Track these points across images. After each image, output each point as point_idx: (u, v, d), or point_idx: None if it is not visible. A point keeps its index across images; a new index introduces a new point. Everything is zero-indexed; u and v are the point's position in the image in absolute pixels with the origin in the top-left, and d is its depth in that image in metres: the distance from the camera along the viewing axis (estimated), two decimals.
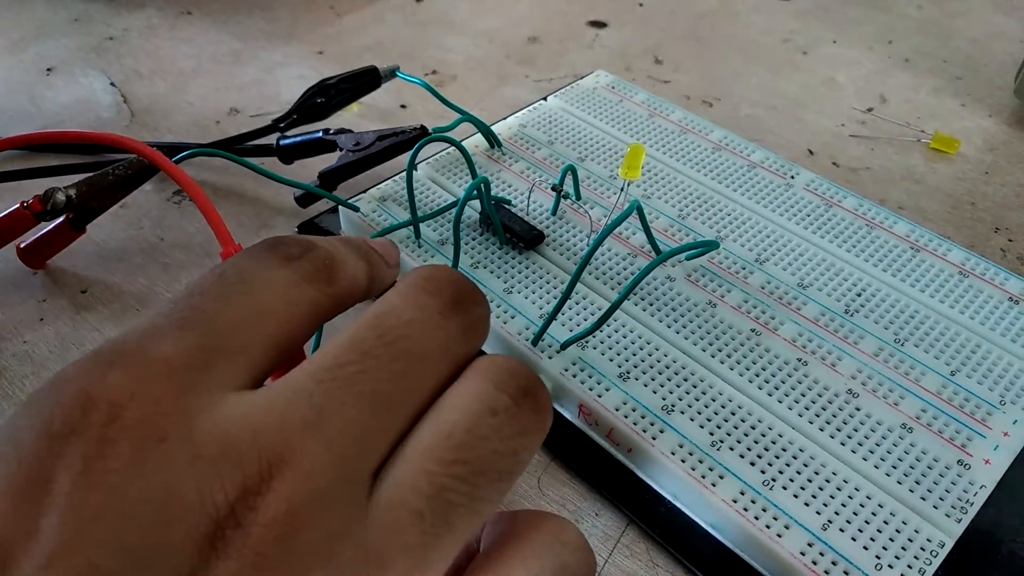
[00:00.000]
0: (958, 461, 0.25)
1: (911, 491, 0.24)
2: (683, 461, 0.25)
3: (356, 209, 0.34)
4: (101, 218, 0.33)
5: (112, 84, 0.46)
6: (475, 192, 0.31)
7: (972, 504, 0.24)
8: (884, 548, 0.23)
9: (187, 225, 0.36)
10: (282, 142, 0.37)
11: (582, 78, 0.43)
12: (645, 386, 0.27)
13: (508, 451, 0.15)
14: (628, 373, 0.27)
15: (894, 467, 0.25)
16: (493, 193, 0.34)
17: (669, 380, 0.27)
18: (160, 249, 0.35)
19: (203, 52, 0.49)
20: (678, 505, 0.25)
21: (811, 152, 0.42)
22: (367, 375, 0.14)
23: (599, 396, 0.27)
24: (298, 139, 0.37)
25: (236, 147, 0.39)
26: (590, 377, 0.27)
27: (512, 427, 0.15)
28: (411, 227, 0.32)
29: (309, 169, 0.36)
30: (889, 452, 0.25)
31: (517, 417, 0.15)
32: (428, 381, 0.15)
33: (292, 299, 0.15)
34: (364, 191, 0.35)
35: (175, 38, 0.50)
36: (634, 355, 0.28)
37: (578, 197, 0.34)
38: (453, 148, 0.34)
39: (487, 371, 0.15)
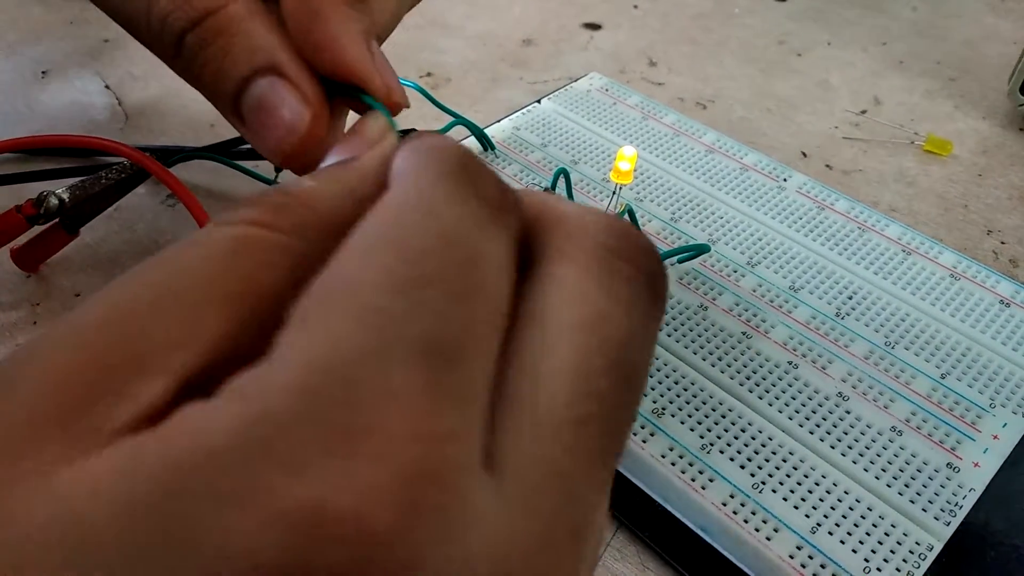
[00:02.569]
0: (947, 464, 0.25)
1: (900, 494, 0.24)
2: (673, 464, 0.25)
3: None
4: (95, 221, 0.33)
5: (107, 87, 0.46)
6: None
7: (961, 507, 0.24)
8: (873, 551, 0.23)
9: (181, 228, 0.36)
10: None
11: (576, 80, 0.43)
12: None
13: (639, 361, 0.11)
14: None
15: (883, 470, 0.25)
16: None
17: (660, 383, 0.27)
18: (153, 252, 0.35)
19: None
20: (668, 508, 0.25)
21: (804, 154, 0.42)
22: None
23: None
24: None
25: (231, 150, 0.39)
26: None
27: (637, 329, 0.11)
28: None
29: None
30: (879, 455, 0.25)
31: (642, 313, 0.11)
32: (499, 303, 0.11)
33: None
34: None
35: None
36: None
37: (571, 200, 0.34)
38: None
39: (578, 253, 0.12)
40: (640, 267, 0.12)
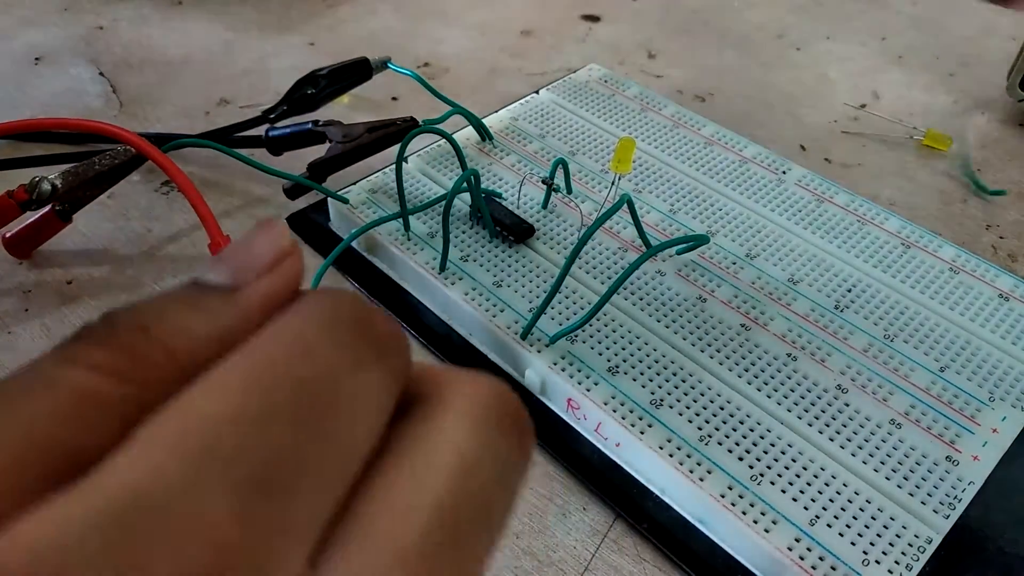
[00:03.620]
0: (947, 457, 0.25)
1: (899, 487, 0.24)
2: (671, 456, 0.25)
3: (345, 201, 0.33)
4: (88, 208, 0.33)
5: (101, 74, 0.45)
6: (465, 185, 0.31)
7: (960, 500, 0.24)
8: (872, 544, 0.23)
9: (175, 216, 0.36)
10: (271, 133, 0.37)
11: (575, 72, 0.42)
12: (634, 380, 0.27)
13: (499, 509, 0.12)
14: (617, 367, 0.27)
15: (882, 463, 0.25)
16: (484, 186, 0.34)
17: (658, 375, 0.27)
18: (147, 240, 0.34)
19: (194, 42, 0.48)
20: (666, 500, 0.25)
21: (803, 148, 0.42)
22: (457, 563, 0.11)
23: (588, 390, 0.27)
24: (287, 130, 0.36)
25: (226, 138, 0.38)
26: (579, 371, 0.27)
27: (501, 479, 0.12)
28: (400, 219, 0.32)
29: (299, 160, 0.35)
30: (878, 448, 0.25)
31: (509, 466, 0.12)
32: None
33: (383, 419, 0.11)
34: (354, 183, 0.35)
35: (166, 28, 0.50)
36: (623, 349, 0.28)
37: (569, 191, 0.34)
38: (444, 141, 0.34)
39: (458, 402, 0.12)
40: (515, 424, 0.12)
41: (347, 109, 0.43)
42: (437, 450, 0.11)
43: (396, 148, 0.31)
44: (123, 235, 0.35)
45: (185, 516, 0.09)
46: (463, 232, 0.32)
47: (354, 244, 0.33)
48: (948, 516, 0.24)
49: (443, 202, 0.32)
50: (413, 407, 0.12)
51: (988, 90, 0.47)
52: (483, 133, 0.37)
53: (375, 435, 0.11)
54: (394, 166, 0.33)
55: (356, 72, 0.39)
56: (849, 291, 0.30)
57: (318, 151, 0.35)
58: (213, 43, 0.48)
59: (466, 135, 0.37)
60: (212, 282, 0.12)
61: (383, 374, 0.11)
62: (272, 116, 0.38)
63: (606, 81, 0.41)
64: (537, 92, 0.41)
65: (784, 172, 0.36)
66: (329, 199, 0.34)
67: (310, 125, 0.36)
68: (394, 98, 0.44)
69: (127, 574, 0.08)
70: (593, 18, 0.52)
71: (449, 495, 0.11)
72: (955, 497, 0.24)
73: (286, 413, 0.10)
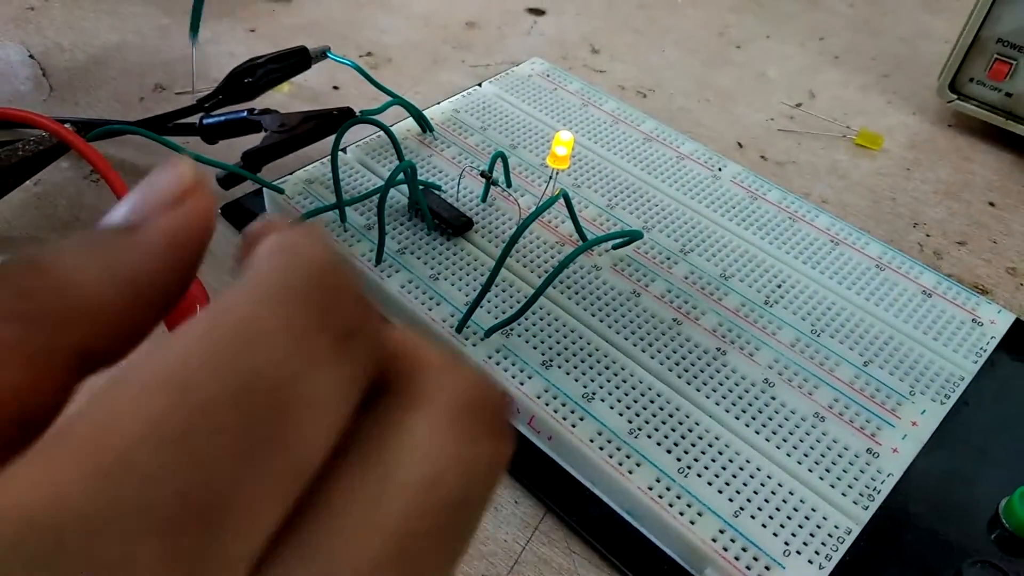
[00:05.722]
0: (867, 450, 0.26)
1: (821, 479, 0.25)
2: (601, 449, 0.25)
3: (281, 191, 0.33)
4: (11, 196, 0.32)
5: (31, 56, 0.44)
6: (403, 177, 0.31)
7: (879, 492, 0.25)
8: (793, 535, 0.23)
9: (106, 205, 0.35)
10: (205, 121, 0.36)
11: (518, 65, 0.42)
12: (567, 374, 0.27)
13: (470, 520, 0.11)
14: (551, 361, 0.27)
15: (806, 455, 0.25)
16: (423, 178, 0.34)
17: (591, 368, 0.27)
18: (75, 228, 0.34)
19: (128, 26, 0.47)
20: (596, 492, 0.25)
21: (740, 145, 0.42)
22: None
23: (521, 384, 0.27)
24: (222, 118, 0.36)
25: (162, 126, 0.38)
26: (513, 365, 0.27)
27: (475, 489, 0.10)
28: (337, 211, 0.32)
29: (234, 150, 0.35)
30: (801, 441, 0.26)
31: (483, 473, 0.11)
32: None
33: (342, 419, 0.10)
34: (291, 173, 0.34)
35: (99, 10, 0.48)
36: (557, 343, 0.28)
37: (508, 184, 0.34)
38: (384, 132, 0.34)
39: (434, 407, 0.10)
40: (492, 429, 0.11)
41: (287, 98, 0.42)
42: (404, 461, 0.10)
43: (333, 138, 0.31)
44: (50, 223, 0.34)
45: (97, 561, 0.07)
46: (401, 224, 0.32)
47: None
48: (867, 507, 0.24)
49: (378, 194, 0.31)
50: (385, 395, 0.10)
51: (920, 91, 0.48)
52: (423, 125, 0.37)
53: (334, 437, 0.09)
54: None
55: (295, 61, 0.39)
56: (779, 287, 0.31)
57: (254, 140, 0.35)
58: (149, 27, 0.47)
59: (407, 126, 0.37)
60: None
61: (349, 366, 0.10)
62: (208, 104, 0.37)
63: (548, 75, 0.41)
64: (480, 85, 0.41)
65: (720, 169, 0.36)
66: (265, 189, 0.33)
67: (245, 113, 0.35)
68: (335, 87, 0.43)
69: None
70: (538, 11, 0.52)
71: (413, 516, 0.09)
72: (874, 489, 0.25)
73: (220, 427, 0.08)
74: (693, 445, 0.25)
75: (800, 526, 0.24)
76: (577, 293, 0.30)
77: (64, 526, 0.07)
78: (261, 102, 0.38)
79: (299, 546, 0.09)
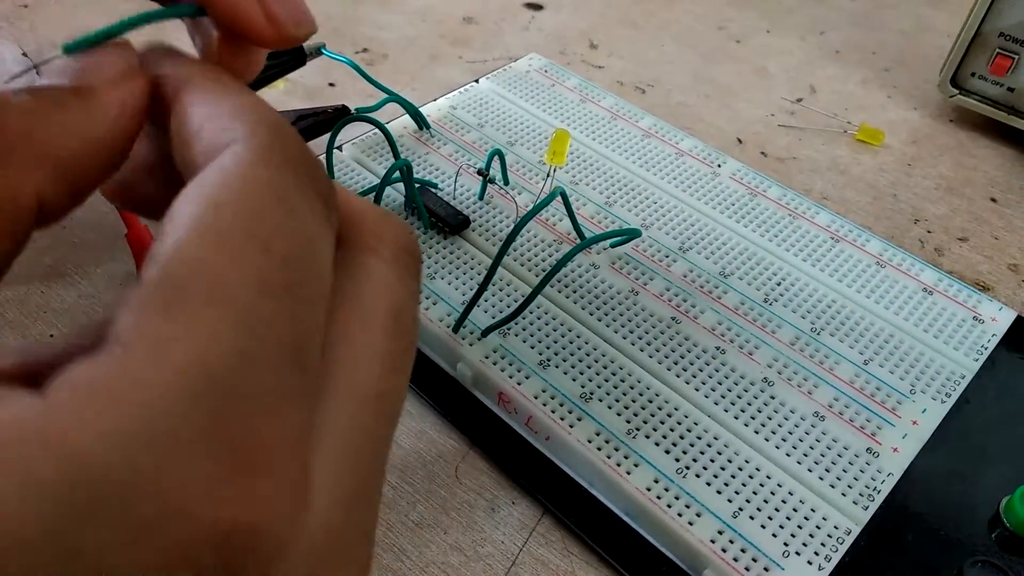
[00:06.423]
0: (867, 449, 0.26)
1: (821, 479, 0.25)
2: (599, 449, 0.25)
3: None
4: None
5: (24, 55, 0.43)
6: (399, 175, 0.31)
7: (879, 492, 0.25)
8: (792, 535, 0.23)
9: (97, 201, 0.34)
10: None
11: (515, 61, 0.42)
12: (565, 374, 0.27)
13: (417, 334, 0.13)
14: (549, 361, 0.27)
15: (805, 455, 0.25)
16: (420, 176, 0.34)
17: (589, 368, 0.27)
18: (67, 226, 0.33)
19: None
20: (593, 493, 0.25)
21: (740, 141, 0.42)
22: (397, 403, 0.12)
23: (519, 384, 0.26)
24: None
25: None
26: (510, 365, 0.27)
27: (417, 309, 0.13)
28: None
29: None
30: (801, 440, 0.26)
31: (417, 293, 0.13)
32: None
33: (331, 268, 0.12)
34: None
35: (94, 8, 0.48)
36: (555, 343, 0.28)
37: (506, 182, 0.34)
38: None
39: (383, 249, 0.13)
40: (416, 258, 0.13)
41: (282, 95, 0.42)
42: (377, 298, 0.12)
43: (328, 136, 0.31)
44: None
45: (254, 396, 0.09)
46: None
47: None
48: (867, 508, 0.24)
49: (374, 192, 0.31)
50: (341, 244, 0.13)
51: (921, 86, 0.48)
52: (420, 122, 0.37)
53: (332, 275, 0.12)
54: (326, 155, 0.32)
55: (290, 58, 0.38)
56: (778, 284, 0.31)
57: None
58: (145, 26, 0.47)
59: (403, 124, 0.37)
60: (58, 84, 0.12)
61: (333, 222, 0.12)
62: None
63: (546, 71, 0.41)
64: (477, 81, 0.41)
65: (719, 165, 0.36)
66: None
67: None
68: (331, 84, 0.43)
69: (230, 464, 0.09)
70: (536, 7, 0.52)
71: (392, 338, 0.12)
72: (874, 489, 0.25)
73: (298, 279, 0.10)
74: (692, 445, 0.25)
75: (799, 526, 0.23)
76: (575, 292, 0.30)
77: (229, 371, 0.09)
78: None
79: (330, 377, 0.11)
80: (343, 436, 0.11)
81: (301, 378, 0.10)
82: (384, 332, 0.12)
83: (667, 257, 0.31)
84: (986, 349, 0.29)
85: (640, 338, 0.28)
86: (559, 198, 0.29)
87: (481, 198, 0.33)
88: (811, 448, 0.25)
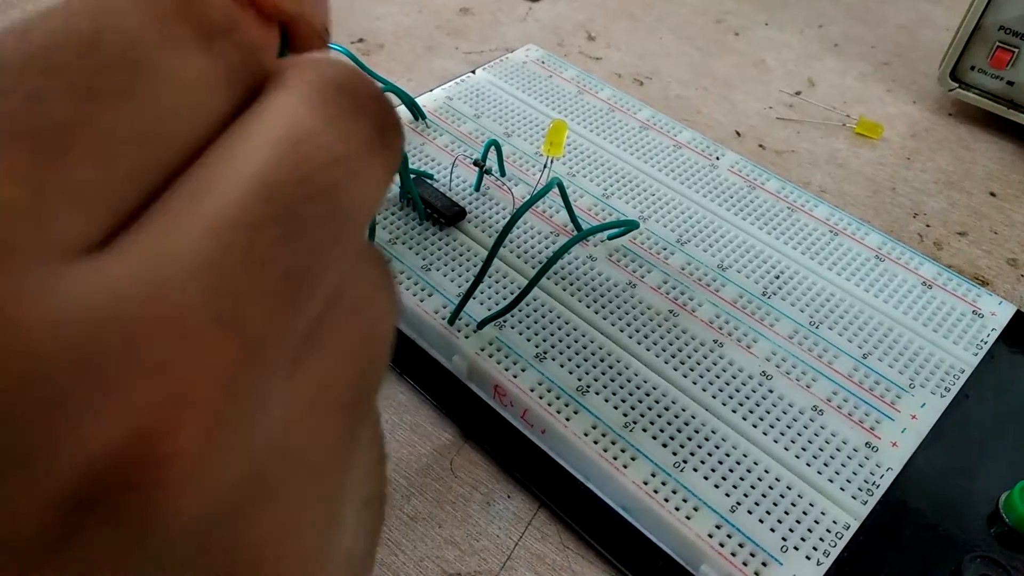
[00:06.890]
0: (866, 443, 0.25)
1: (819, 473, 0.24)
2: (596, 442, 0.25)
3: None
4: None
5: None
6: None
7: (878, 486, 0.24)
8: (791, 530, 0.23)
9: None
10: None
11: (512, 52, 0.42)
12: (561, 367, 0.26)
13: (349, 191, 0.10)
14: (545, 353, 0.27)
15: (804, 449, 0.25)
16: (415, 167, 0.33)
17: (586, 360, 0.27)
18: None
19: None
20: (589, 487, 0.25)
21: (739, 134, 0.42)
22: (292, 246, 0.09)
23: (515, 376, 0.26)
24: None
25: None
26: (506, 357, 0.27)
27: (351, 158, 0.10)
28: None
29: None
30: (799, 434, 0.25)
31: (362, 146, 0.11)
32: (349, 248, 0.10)
33: (207, 110, 0.10)
34: None
35: None
36: (552, 335, 0.27)
37: (502, 173, 0.34)
38: None
39: (300, 83, 0.10)
40: (365, 106, 0.11)
41: None
42: (264, 123, 0.10)
43: None
44: None
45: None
46: (392, 214, 0.31)
47: None
48: (866, 502, 0.24)
49: None
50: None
51: (921, 79, 0.47)
52: (416, 112, 0.36)
53: (201, 125, 0.10)
54: None
55: (284, 48, 0.38)
56: (777, 278, 0.30)
57: None
58: None
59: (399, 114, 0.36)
60: None
61: (211, 58, 0.10)
62: None
63: (543, 62, 0.41)
64: (474, 72, 0.40)
65: (718, 158, 0.36)
66: None
67: None
68: None
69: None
70: None
71: (276, 167, 0.09)
72: (873, 483, 0.24)
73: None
74: (689, 439, 0.25)
75: (798, 521, 0.23)
76: (572, 284, 0.29)
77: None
78: None
79: (159, 206, 0.09)
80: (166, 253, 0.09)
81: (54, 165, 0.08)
82: (265, 156, 0.09)
83: (665, 249, 0.31)
84: (985, 343, 0.29)
85: (637, 331, 0.28)
86: (556, 189, 0.29)
87: (477, 189, 0.33)
88: (809, 442, 0.25)
